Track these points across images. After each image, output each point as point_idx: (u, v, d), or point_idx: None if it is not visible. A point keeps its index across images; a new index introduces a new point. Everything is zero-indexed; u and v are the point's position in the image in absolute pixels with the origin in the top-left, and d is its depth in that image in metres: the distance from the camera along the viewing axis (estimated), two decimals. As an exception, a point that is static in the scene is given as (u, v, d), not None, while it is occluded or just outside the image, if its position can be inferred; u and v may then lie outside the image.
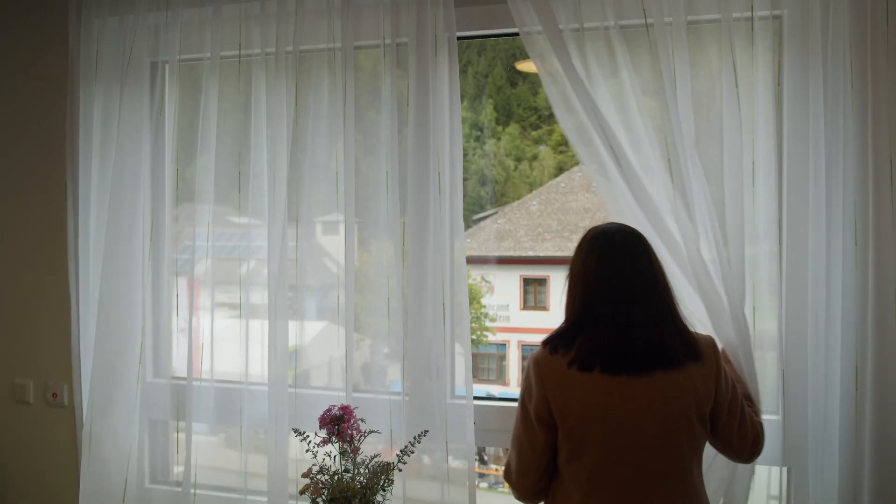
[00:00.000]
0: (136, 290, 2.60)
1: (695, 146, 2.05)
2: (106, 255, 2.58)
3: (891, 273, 1.96)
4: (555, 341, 1.78)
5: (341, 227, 2.42)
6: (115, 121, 2.59)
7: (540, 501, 1.83)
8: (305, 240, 2.48)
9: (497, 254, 5.21)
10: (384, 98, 2.37)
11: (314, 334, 2.55)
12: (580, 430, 1.72)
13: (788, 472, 2.17)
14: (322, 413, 2.15)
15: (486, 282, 5.21)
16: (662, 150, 2.07)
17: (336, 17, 2.41)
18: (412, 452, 2.17)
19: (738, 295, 2.00)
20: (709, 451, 1.96)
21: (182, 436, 2.55)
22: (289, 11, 2.43)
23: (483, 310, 5.06)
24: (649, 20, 2.10)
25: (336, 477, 2.12)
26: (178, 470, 2.73)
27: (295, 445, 2.33)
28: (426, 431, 2.22)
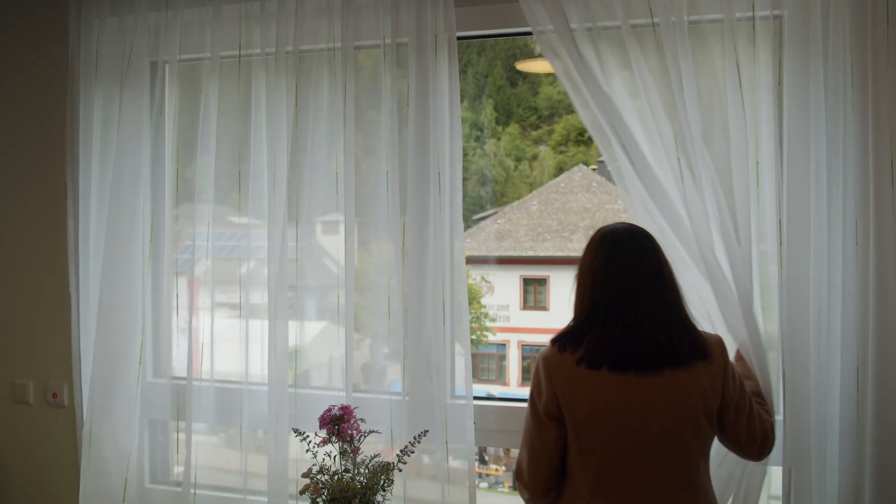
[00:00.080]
0: (136, 290, 2.60)
1: (704, 146, 2.06)
2: (106, 255, 2.58)
3: (892, 273, 1.96)
4: (563, 339, 1.79)
5: (341, 227, 2.42)
6: (115, 121, 2.59)
7: (551, 501, 1.84)
8: (305, 240, 2.48)
9: (497, 254, 5.21)
10: (384, 98, 2.37)
11: (314, 334, 2.55)
12: (588, 426, 1.74)
13: (789, 471, 2.16)
14: (322, 413, 2.15)
15: (486, 282, 5.22)
16: (673, 149, 2.08)
17: (336, 17, 2.41)
18: (412, 452, 2.17)
19: (748, 293, 2.01)
20: (720, 450, 1.97)
21: (182, 436, 2.55)
22: (289, 11, 2.43)
23: (483, 310, 5.07)
24: (655, 20, 2.10)
25: (336, 477, 2.12)
26: (178, 470, 2.73)
27: (295, 445, 2.33)
28: (426, 431, 2.22)
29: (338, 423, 2.13)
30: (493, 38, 2.66)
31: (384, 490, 2.14)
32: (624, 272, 1.76)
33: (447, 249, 2.32)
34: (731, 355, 2.10)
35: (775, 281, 2.08)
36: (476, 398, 2.34)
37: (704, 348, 1.76)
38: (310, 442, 2.17)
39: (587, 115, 2.18)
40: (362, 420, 2.18)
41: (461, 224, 2.37)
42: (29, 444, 2.82)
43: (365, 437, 2.16)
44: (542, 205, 5.25)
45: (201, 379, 2.55)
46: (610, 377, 1.72)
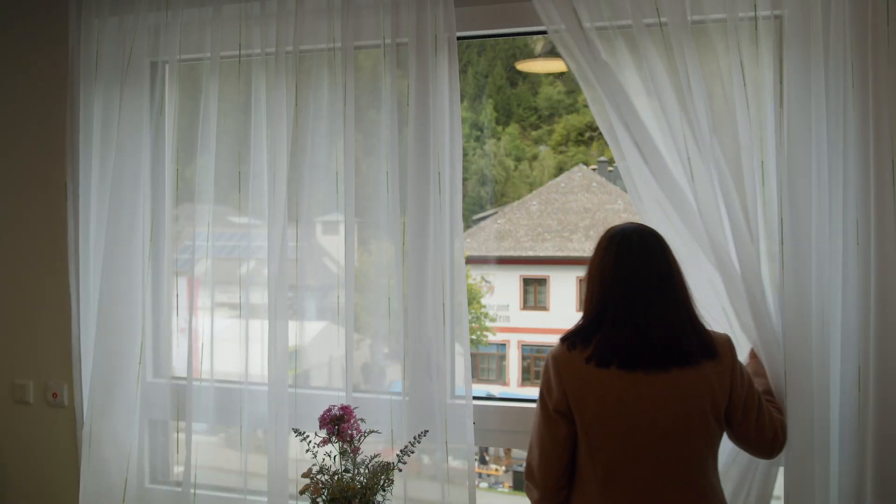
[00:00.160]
0: (136, 290, 2.60)
1: (714, 144, 2.06)
2: (106, 255, 2.58)
3: (893, 273, 1.96)
4: (573, 338, 1.81)
5: (341, 227, 2.43)
6: (115, 121, 2.60)
7: (561, 500, 1.84)
8: (305, 240, 2.48)
9: (497, 254, 5.22)
10: (384, 98, 2.37)
11: (314, 334, 2.55)
12: (597, 425, 1.75)
13: (790, 471, 2.16)
14: (322, 413, 2.15)
15: (486, 282, 5.22)
16: (683, 147, 2.08)
17: (336, 17, 2.41)
18: (412, 452, 2.17)
19: (760, 290, 2.02)
20: (733, 450, 1.98)
21: (182, 436, 2.55)
22: (289, 11, 2.43)
23: (483, 310, 5.07)
24: (663, 19, 2.10)
25: (336, 477, 2.12)
26: (178, 470, 2.73)
27: (295, 445, 2.33)
28: (426, 431, 2.22)
29: (338, 423, 2.13)
30: (493, 38, 2.66)
31: (384, 490, 2.14)
32: (633, 272, 1.78)
33: (447, 249, 2.32)
34: (746, 354, 2.11)
35: (777, 280, 2.08)
36: (476, 398, 2.34)
37: (713, 347, 1.78)
38: (310, 442, 2.17)
39: (599, 112, 2.19)
40: (362, 420, 2.18)
41: (461, 224, 2.37)
42: (29, 444, 2.82)
43: (365, 437, 2.16)
44: (541, 205, 5.26)
45: (201, 379, 2.55)
46: (619, 376, 1.74)
